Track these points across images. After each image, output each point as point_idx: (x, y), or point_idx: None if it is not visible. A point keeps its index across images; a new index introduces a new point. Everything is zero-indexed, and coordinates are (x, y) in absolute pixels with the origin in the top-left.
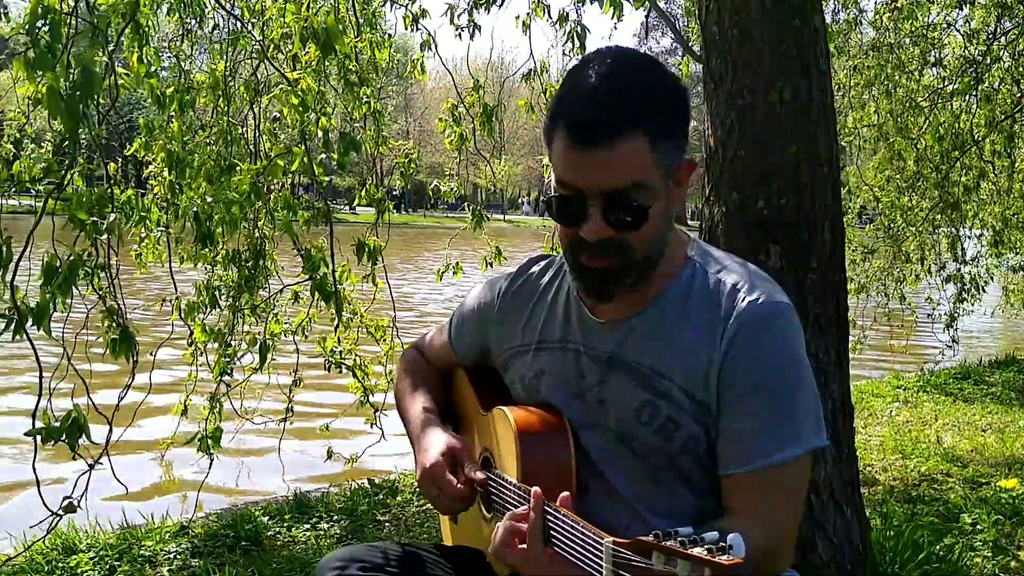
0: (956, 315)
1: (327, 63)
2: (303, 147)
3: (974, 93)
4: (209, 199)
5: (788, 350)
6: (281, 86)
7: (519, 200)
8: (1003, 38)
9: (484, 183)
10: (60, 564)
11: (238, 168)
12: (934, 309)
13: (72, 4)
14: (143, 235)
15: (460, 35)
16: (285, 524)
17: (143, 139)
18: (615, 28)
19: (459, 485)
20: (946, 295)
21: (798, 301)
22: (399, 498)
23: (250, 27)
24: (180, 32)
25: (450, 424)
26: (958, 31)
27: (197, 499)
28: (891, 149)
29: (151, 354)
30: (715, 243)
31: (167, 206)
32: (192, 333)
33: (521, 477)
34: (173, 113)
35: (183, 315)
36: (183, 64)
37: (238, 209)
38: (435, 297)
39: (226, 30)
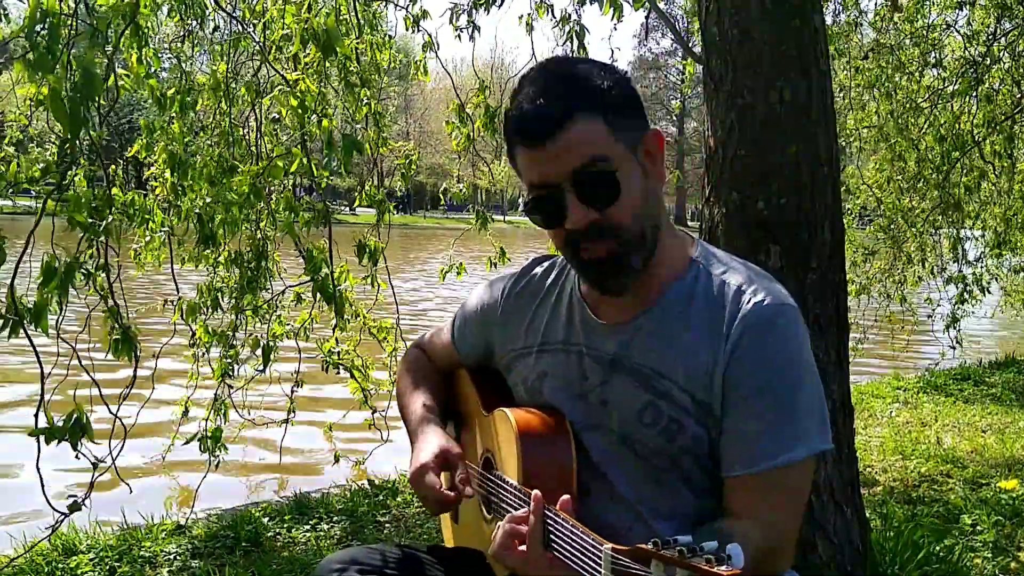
0: (958, 316)
1: (328, 64)
2: (302, 148)
3: (974, 94)
4: (208, 200)
5: (793, 351)
6: (280, 87)
7: (518, 200)
8: (1003, 39)
9: (485, 184)
10: (60, 565)
11: (239, 170)
12: (934, 310)
13: (72, 6)
14: (148, 237)
15: (460, 36)
16: (285, 525)
17: (144, 140)
18: (615, 28)
19: (445, 489)
20: (947, 296)
21: (798, 301)
22: (399, 499)
23: (251, 28)
24: (181, 33)
25: (452, 423)
26: (958, 32)
27: (195, 499)
28: (892, 150)
29: (154, 355)
30: (715, 243)
31: (169, 207)
32: (194, 334)
33: (522, 479)
34: (174, 114)
35: (184, 316)
36: (184, 65)
37: (237, 210)
38: (436, 297)
39: (227, 31)
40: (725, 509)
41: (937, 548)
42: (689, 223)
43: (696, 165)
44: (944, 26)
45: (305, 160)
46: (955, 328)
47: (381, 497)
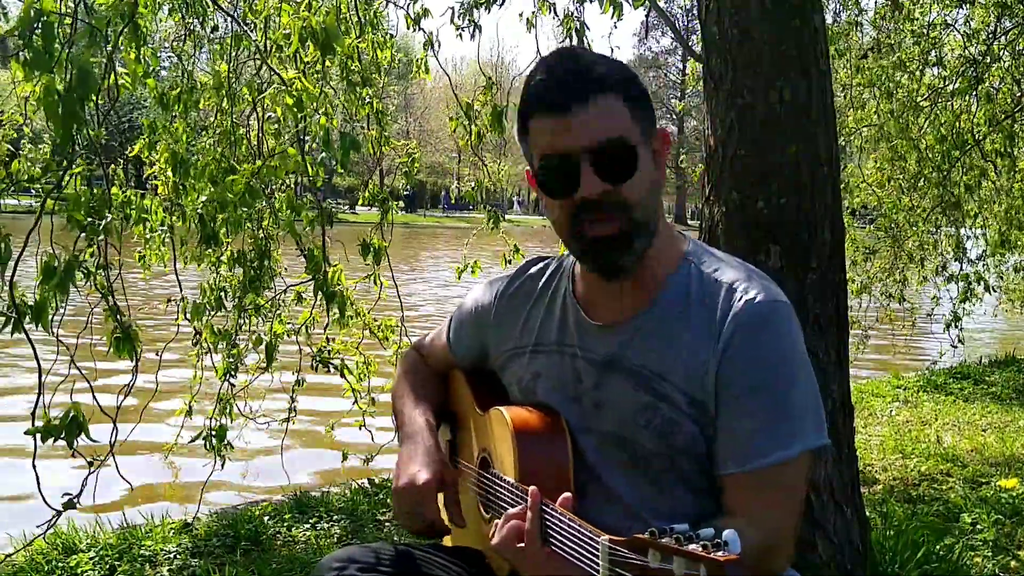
0: (959, 315)
1: (328, 63)
2: (298, 147)
3: (974, 93)
4: (204, 198)
5: (786, 349)
6: (276, 86)
7: (512, 199)
8: (1003, 37)
9: (487, 183)
10: (60, 564)
11: (238, 169)
12: (934, 309)
13: (72, 6)
14: (148, 236)
15: (461, 35)
16: (285, 524)
17: (146, 139)
18: (615, 27)
19: (441, 516)
20: (948, 295)
21: (798, 301)
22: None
23: (251, 28)
24: (181, 33)
25: (448, 424)
26: (958, 31)
27: (202, 496)
28: (892, 149)
29: (157, 354)
30: (715, 243)
31: (171, 207)
32: (196, 334)
33: (518, 477)
34: (177, 114)
35: (189, 316)
36: (185, 65)
37: (233, 209)
38: (435, 297)
39: (226, 31)
40: (722, 508)
41: (937, 547)
42: (689, 222)
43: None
44: (944, 25)
45: (300, 159)
46: (956, 327)
47: (381, 496)
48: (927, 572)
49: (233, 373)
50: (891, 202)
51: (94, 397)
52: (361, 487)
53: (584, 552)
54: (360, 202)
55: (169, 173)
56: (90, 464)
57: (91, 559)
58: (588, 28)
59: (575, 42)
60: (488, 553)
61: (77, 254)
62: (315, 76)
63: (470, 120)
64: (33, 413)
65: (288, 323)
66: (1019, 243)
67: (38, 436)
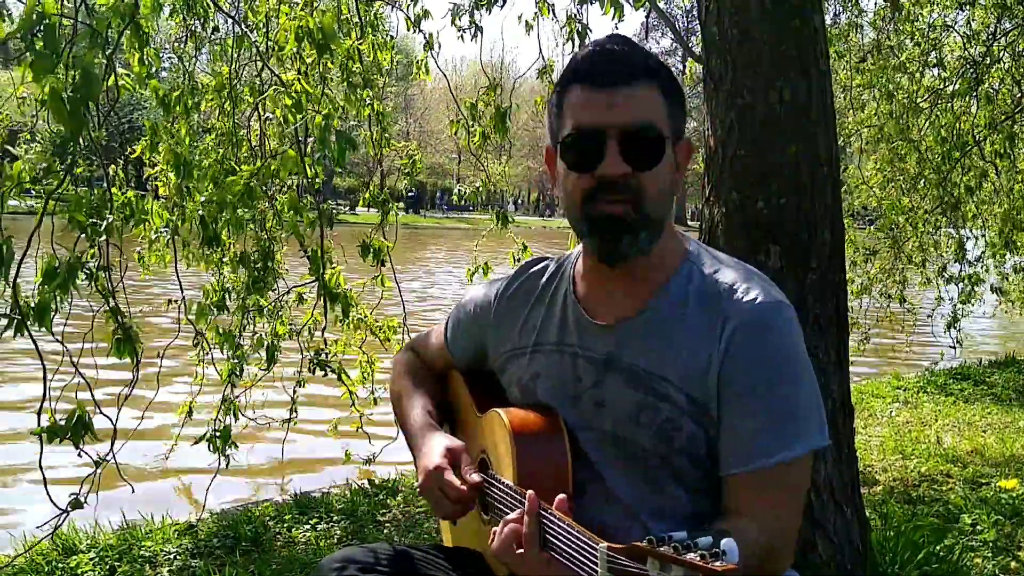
0: (959, 316)
1: (327, 64)
2: (296, 148)
3: (974, 94)
4: (203, 199)
5: (787, 349)
6: (275, 87)
7: (508, 201)
8: (1003, 39)
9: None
10: (60, 564)
11: (239, 170)
12: (934, 309)
13: (71, 6)
14: (154, 237)
15: (462, 36)
16: (285, 524)
17: (147, 141)
18: (616, 28)
19: (461, 486)
20: (948, 295)
21: (798, 301)
22: (399, 498)
23: (251, 29)
24: (183, 34)
25: (447, 425)
26: (958, 32)
27: (207, 496)
28: (892, 150)
29: (159, 355)
30: (715, 243)
31: (173, 207)
32: (197, 334)
33: (517, 479)
34: (178, 115)
35: (194, 317)
36: (187, 66)
37: (233, 210)
38: (436, 297)
39: (227, 32)
40: (724, 508)
41: (937, 548)
42: (689, 222)
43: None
44: (944, 26)
45: (299, 160)
46: (956, 328)
47: (381, 497)
48: (927, 573)
49: (237, 374)
50: (891, 203)
51: (93, 399)
52: (361, 488)
53: (582, 558)
54: (361, 204)
55: (171, 175)
56: (96, 465)
57: (91, 560)
58: (590, 30)
59: (577, 44)
60: (487, 555)
61: (79, 255)
62: (315, 77)
63: (474, 120)
64: (39, 414)
65: (289, 324)
66: (1019, 244)
67: (44, 436)
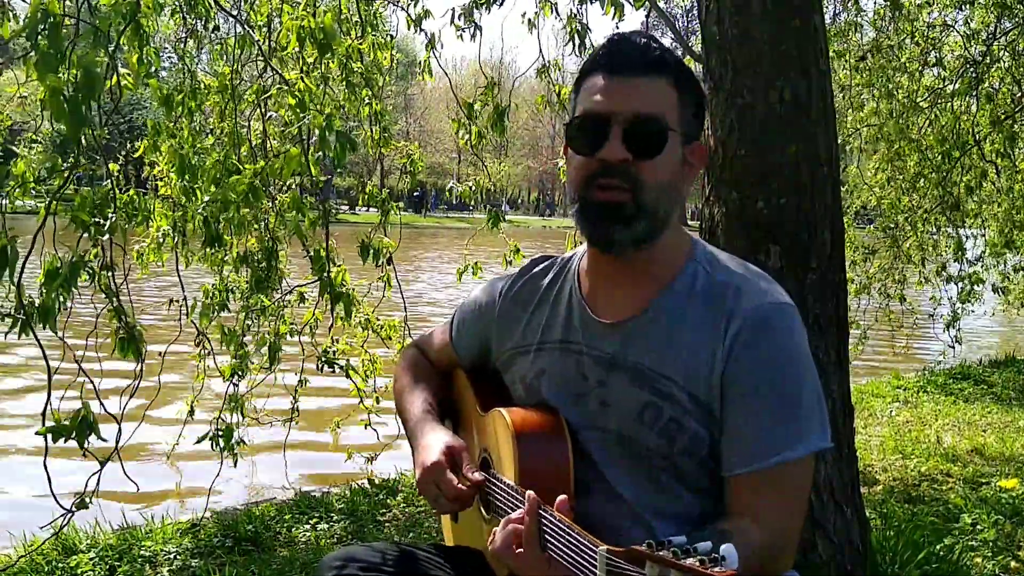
0: (958, 315)
1: (328, 64)
2: (299, 148)
3: (974, 93)
4: (207, 199)
5: (792, 350)
6: (279, 86)
7: (503, 200)
8: (1003, 38)
9: (487, 184)
10: (60, 564)
11: (243, 169)
12: (934, 309)
13: (72, 5)
14: (160, 238)
15: (461, 36)
16: (285, 524)
17: (149, 141)
18: (617, 28)
19: (458, 485)
20: (948, 295)
21: (798, 301)
22: (399, 498)
23: (253, 28)
24: (184, 33)
25: (449, 423)
26: (958, 31)
27: (209, 496)
28: (891, 150)
29: (160, 354)
30: (715, 243)
31: (175, 207)
32: (199, 334)
33: (518, 479)
34: (180, 115)
35: (198, 317)
36: (188, 66)
37: (235, 210)
38: (437, 297)
39: (227, 31)
40: (726, 508)
41: (937, 547)
42: (689, 222)
43: None
44: (944, 25)
45: (303, 160)
46: (955, 327)
47: (381, 496)
48: (927, 572)
49: (240, 374)
50: (890, 202)
51: (98, 398)
52: (361, 487)
53: (582, 560)
54: (360, 203)
55: (173, 175)
56: (102, 464)
57: (91, 560)
58: (591, 30)
59: (578, 44)
60: (488, 554)
61: (82, 254)
62: (316, 77)
63: (470, 119)
64: (43, 413)
65: (290, 323)
66: (1019, 243)
67: (49, 436)
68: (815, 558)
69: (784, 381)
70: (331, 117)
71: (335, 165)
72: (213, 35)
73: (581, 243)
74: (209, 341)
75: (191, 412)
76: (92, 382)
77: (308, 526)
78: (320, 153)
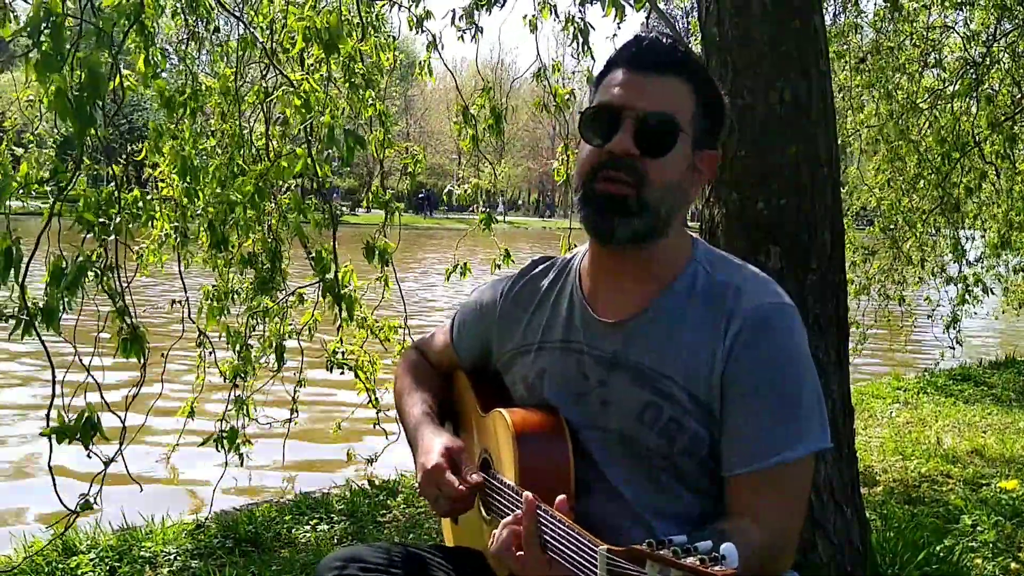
0: (958, 316)
1: (332, 64)
2: (305, 148)
3: (974, 95)
4: (213, 200)
5: (792, 350)
6: (284, 87)
7: (498, 202)
8: (1003, 40)
9: (486, 184)
10: (60, 565)
11: (247, 171)
12: (933, 310)
13: (73, 6)
14: (162, 239)
15: (462, 37)
16: (285, 525)
17: (151, 142)
18: (618, 28)
19: (459, 486)
20: (947, 296)
21: (798, 302)
22: (399, 499)
23: (254, 28)
24: (185, 35)
25: (450, 424)
26: (958, 33)
27: (214, 496)
28: (891, 151)
29: (162, 355)
30: (715, 244)
31: (177, 208)
32: (201, 335)
33: (519, 479)
34: (181, 117)
35: (205, 319)
36: (190, 67)
37: (241, 210)
38: (438, 297)
39: (228, 33)
40: (726, 508)
41: (937, 548)
42: (689, 223)
43: None
44: (944, 27)
45: (310, 161)
46: (955, 328)
47: (381, 497)
48: (927, 573)
49: (244, 375)
50: (890, 203)
51: (103, 398)
52: (361, 488)
53: (582, 560)
54: (365, 204)
55: (175, 176)
56: (105, 465)
57: (91, 560)
58: (593, 28)
59: (580, 44)
60: (488, 555)
61: (88, 255)
62: (319, 77)
63: (466, 122)
64: (48, 414)
65: (290, 324)
66: (1019, 245)
67: (53, 437)
68: (815, 558)
69: (784, 381)
70: (335, 117)
71: (343, 164)
72: (214, 36)
73: (575, 245)
74: (210, 341)
75: (191, 413)
76: (98, 384)
77: (308, 527)
78: (328, 152)
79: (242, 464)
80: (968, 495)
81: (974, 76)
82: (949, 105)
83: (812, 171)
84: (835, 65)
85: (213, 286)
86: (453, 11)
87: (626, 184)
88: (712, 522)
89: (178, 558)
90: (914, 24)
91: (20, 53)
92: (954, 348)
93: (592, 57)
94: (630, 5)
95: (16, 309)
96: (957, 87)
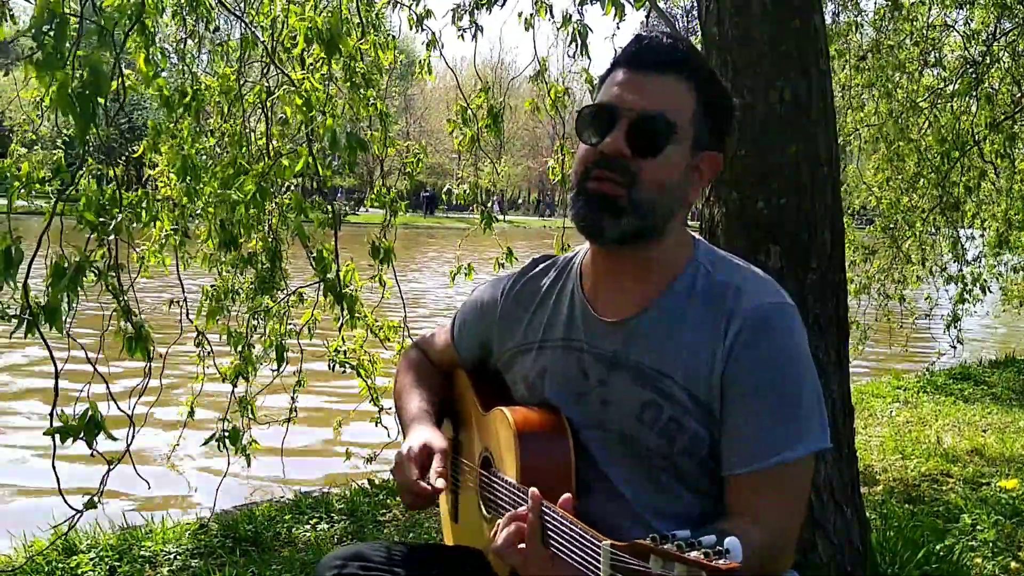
0: (959, 315)
1: (333, 64)
2: (307, 148)
3: (974, 94)
4: (216, 200)
5: (792, 350)
6: (285, 87)
7: (505, 201)
8: (1003, 39)
9: (486, 184)
10: (60, 565)
11: (249, 170)
12: (931, 309)
13: (75, 7)
14: (163, 238)
15: (463, 36)
16: (285, 524)
17: (150, 142)
18: (618, 28)
19: (421, 482)
20: (948, 295)
21: (798, 301)
22: (399, 499)
23: (256, 29)
24: (184, 34)
25: (450, 422)
26: (958, 32)
27: (217, 495)
28: (891, 150)
29: (162, 356)
30: (715, 243)
31: (175, 208)
32: (199, 335)
33: (520, 477)
34: (180, 116)
35: (204, 318)
36: (189, 67)
37: (243, 209)
38: (439, 297)
39: (228, 32)
40: (726, 508)
41: (937, 548)
42: (689, 223)
43: None
44: (944, 26)
45: (311, 160)
46: (955, 327)
47: (381, 497)
48: (927, 573)
49: (246, 376)
50: (889, 202)
51: (110, 396)
52: (361, 488)
53: (585, 555)
54: (368, 204)
55: (173, 176)
56: (109, 464)
57: (91, 560)
58: (591, 30)
59: (579, 46)
60: (489, 553)
61: (88, 254)
62: (320, 77)
63: (465, 123)
64: (51, 414)
65: (290, 324)
66: (1018, 244)
67: (57, 436)
68: (815, 558)
69: (784, 381)
70: (337, 118)
71: (348, 168)
72: (214, 36)
73: (569, 244)
74: (209, 342)
75: (191, 413)
76: (106, 382)
77: (308, 526)
78: (330, 155)
79: (249, 464)
80: (968, 494)
81: (974, 75)
82: (949, 104)
83: (812, 170)
84: (835, 64)
85: (212, 286)
86: (454, 10)
87: (616, 184)
88: (712, 522)
89: (178, 557)
90: (914, 23)
91: (24, 55)
92: (954, 347)
93: (588, 57)
94: (630, 4)
95: (19, 308)
96: (957, 86)
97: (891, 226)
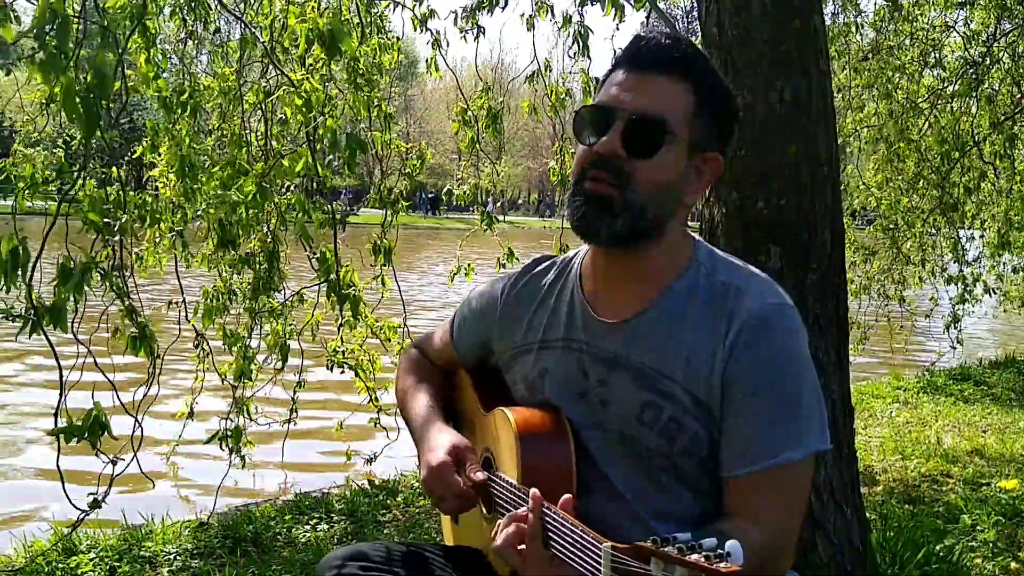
0: (959, 316)
1: (334, 65)
2: (307, 148)
3: (974, 94)
4: (216, 200)
5: (792, 351)
6: (285, 87)
7: (505, 201)
8: (1003, 39)
9: (486, 184)
10: (60, 565)
11: (250, 170)
12: (932, 309)
13: (77, 8)
14: (158, 238)
15: (465, 37)
16: (285, 525)
17: (148, 142)
18: (618, 29)
19: (463, 485)
20: (948, 296)
21: (798, 301)
22: (399, 499)
23: (256, 29)
24: (183, 35)
25: (452, 423)
26: (958, 32)
27: (217, 495)
28: (891, 150)
29: (159, 357)
30: (715, 243)
31: (175, 208)
32: (198, 336)
33: (521, 478)
34: (180, 117)
35: (201, 318)
36: (188, 67)
37: (244, 209)
38: (440, 297)
39: (228, 33)
40: (725, 509)
41: (937, 548)
42: (689, 223)
43: None
44: (944, 26)
45: (311, 160)
46: (955, 328)
47: (381, 497)
48: (927, 573)
49: (247, 376)
50: (889, 203)
51: (116, 395)
52: (361, 488)
53: (586, 557)
54: (370, 204)
55: (172, 176)
56: (113, 463)
57: (91, 560)
58: (592, 31)
59: (580, 45)
60: (489, 553)
61: (93, 255)
62: (320, 78)
63: (465, 124)
64: (55, 414)
65: (291, 324)
66: (1018, 244)
67: (61, 436)
68: (815, 558)
69: (784, 382)
70: (337, 119)
71: (348, 170)
72: (214, 37)
73: (567, 244)
74: (207, 342)
75: (191, 414)
76: (112, 382)
77: (308, 527)
78: (331, 156)
79: (243, 465)
80: (968, 495)
81: (974, 76)
82: (949, 105)
83: (812, 170)
84: (835, 65)
85: (212, 286)
86: (456, 12)
87: (610, 184)
88: (712, 522)
89: (178, 558)
90: (914, 24)
91: (26, 55)
92: (954, 348)
93: (589, 58)
94: (630, 5)
95: (24, 309)
96: (957, 87)
97: (891, 227)
